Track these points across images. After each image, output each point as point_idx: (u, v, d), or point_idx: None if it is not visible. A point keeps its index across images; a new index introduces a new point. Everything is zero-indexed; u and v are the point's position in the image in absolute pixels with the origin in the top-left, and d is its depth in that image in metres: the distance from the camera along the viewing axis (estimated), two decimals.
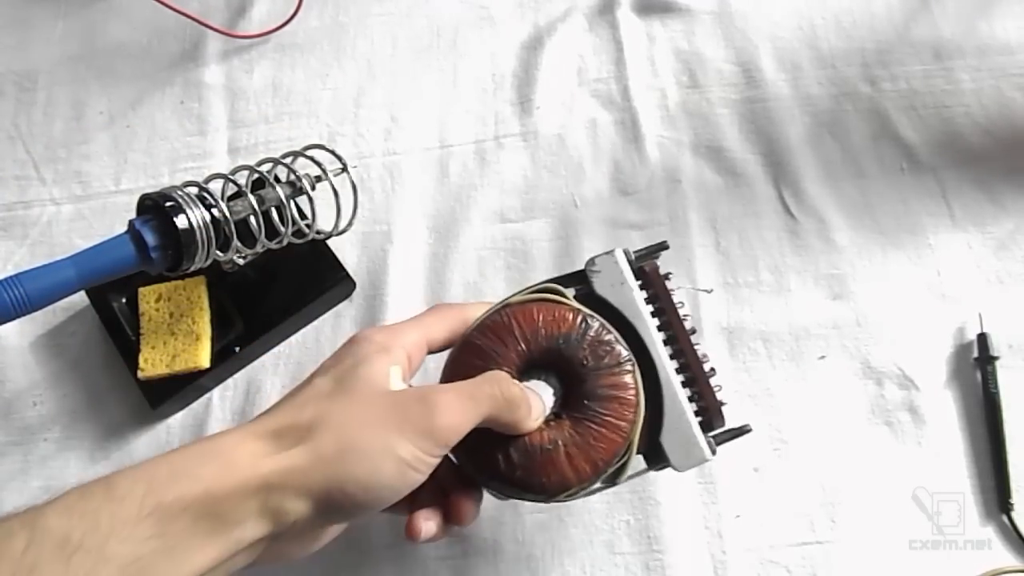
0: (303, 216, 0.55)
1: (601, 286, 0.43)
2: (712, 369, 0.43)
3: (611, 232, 0.58)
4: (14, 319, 0.45)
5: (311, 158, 0.53)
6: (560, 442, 0.41)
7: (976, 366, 0.52)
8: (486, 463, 0.41)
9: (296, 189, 0.53)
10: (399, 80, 0.65)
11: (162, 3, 0.65)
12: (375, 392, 0.38)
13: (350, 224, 0.55)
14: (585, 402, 0.41)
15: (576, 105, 0.63)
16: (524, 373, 0.43)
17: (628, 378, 0.42)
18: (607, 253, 0.44)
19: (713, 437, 0.43)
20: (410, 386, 0.41)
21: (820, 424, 0.51)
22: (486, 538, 0.50)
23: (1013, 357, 0.52)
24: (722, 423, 0.43)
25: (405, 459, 0.35)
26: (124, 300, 0.57)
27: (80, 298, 0.56)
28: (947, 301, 0.54)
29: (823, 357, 0.53)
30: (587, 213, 0.59)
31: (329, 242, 0.57)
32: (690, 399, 0.43)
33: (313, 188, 0.53)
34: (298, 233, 0.54)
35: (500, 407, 0.39)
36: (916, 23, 0.62)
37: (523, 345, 0.42)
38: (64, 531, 0.31)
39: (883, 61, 0.61)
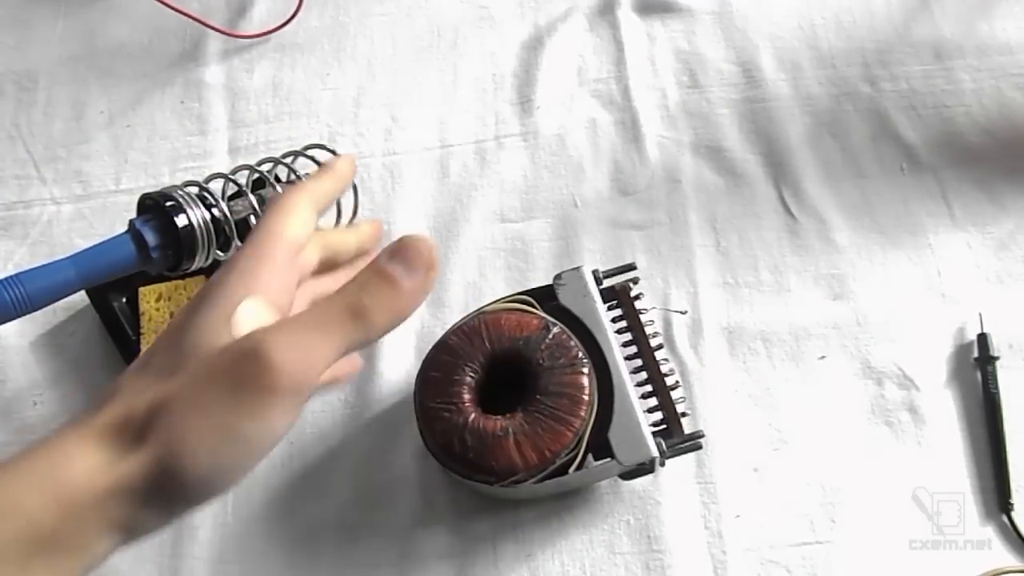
0: None
1: (566, 298, 0.49)
2: (676, 382, 0.48)
3: (611, 232, 0.58)
4: (14, 319, 0.45)
5: (311, 158, 0.53)
6: (511, 430, 0.46)
7: (976, 366, 0.52)
8: (445, 444, 0.47)
9: None
10: (399, 80, 0.65)
11: (162, 3, 0.65)
12: (208, 357, 0.30)
13: (350, 224, 0.55)
14: (538, 397, 0.46)
15: (576, 105, 0.63)
16: (488, 370, 0.48)
17: (580, 378, 0.46)
18: (574, 269, 0.50)
19: (671, 447, 0.47)
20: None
21: (820, 424, 0.51)
22: (486, 538, 0.50)
23: (1013, 357, 0.52)
24: (681, 431, 0.47)
25: (251, 438, 0.29)
26: (124, 300, 0.57)
27: (80, 298, 0.56)
28: (947, 301, 0.54)
29: (823, 357, 0.53)
30: (587, 213, 0.59)
31: None
32: (651, 410, 0.47)
33: None
34: None
35: (354, 331, 0.30)
36: (916, 23, 0.62)
37: (488, 345, 0.48)
38: None
39: (883, 61, 0.61)
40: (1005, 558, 0.47)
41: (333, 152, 0.54)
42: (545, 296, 0.50)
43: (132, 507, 0.29)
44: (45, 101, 0.68)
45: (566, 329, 0.48)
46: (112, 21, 0.70)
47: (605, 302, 0.49)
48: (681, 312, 0.55)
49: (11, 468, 0.29)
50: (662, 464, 0.47)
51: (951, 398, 0.51)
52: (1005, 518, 0.48)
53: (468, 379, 0.48)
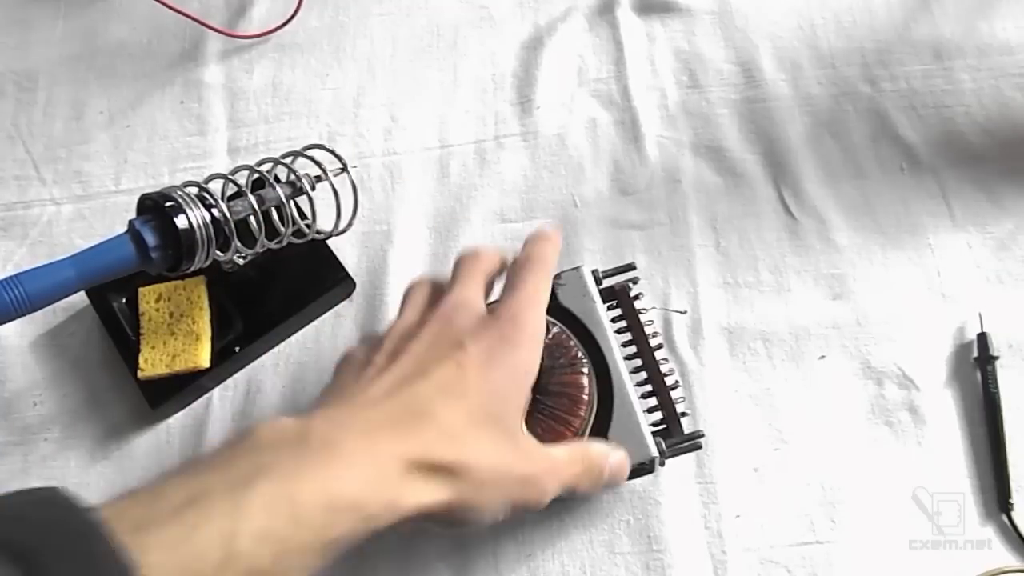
0: (303, 216, 0.55)
1: (565, 297, 0.49)
2: (676, 382, 0.48)
3: (611, 232, 0.58)
4: (14, 319, 0.45)
5: (311, 158, 0.53)
6: None
7: (976, 366, 0.52)
8: None
9: (296, 189, 0.53)
10: (399, 80, 0.65)
11: (162, 3, 0.65)
12: (509, 440, 0.40)
13: (350, 224, 0.55)
14: (538, 397, 0.45)
15: (576, 105, 0.63)
16: None
17: (580, 378, 0.46)
18: (574, 269, 0.49)
19: (671, 447, 0.47)
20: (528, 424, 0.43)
21: (820, 424, 0.51)
22: (486, 538, 0.50)
23: (1013, 357, 0.52)
24: (681, 431, 0.47)
25: (515, 512, 0.40)
26: (124, 300, 0.57)
27: (80, 298, 0.56)
28: (947, 301, 0.54)
29: (823, 357, 0.53)
30: (587, 213, 0.59)
31: (329, 242, 0.57)
32: (651, 409, 0.47)
33: (313, 188, 0.53)
34: (298, 233, 0.54)
35: (591, 484, 0.43)
36: (916, 23, 0.62)
37: None
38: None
39: (883, 61, 0.61)
40: (1005, 558, 0.47)
41: (333, 152, 0.54)
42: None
43: (419, 522, 0.37)
44: (45, 101, 0.68)
45: (566, 329, 0.48)
46: (112, 21, 0.71)
47: (605, 302, 0.49)
48: (681, 312, 0.55)
49: (356, 475, 0.35)
50: (662, 464, 0.46)
51: (951, 398, 0.51)
52: (1005, 518, 0.48)
53: None
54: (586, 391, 0.46)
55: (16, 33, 0.71)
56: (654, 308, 0.54)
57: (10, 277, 0.44)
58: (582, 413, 0.45)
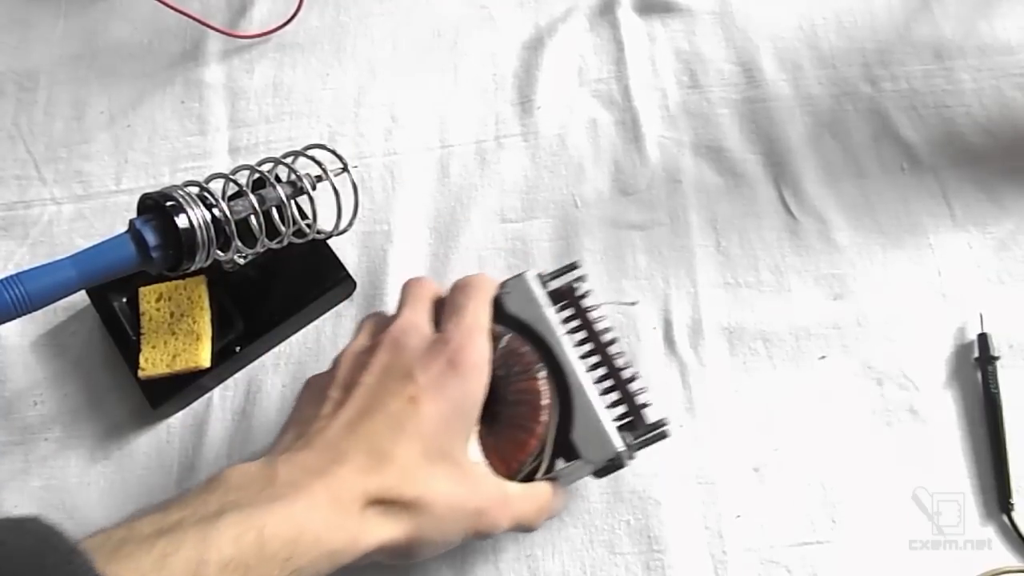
0: (304, 216, 0.55)
1: (513, 305, 0.48)
2: (634, 375, 0.47)
3: (611, 232, 0.58)
4: (14, 319, 0.45)
5: (312, 158, 0.53)
6: None
7: (976, 366, 0.52)
8: None
9: (297, 189, 0.53)
10: (399, 80, 0.65)
11: (163, 3, 0.65)
12: (462, 474, 0.42)
13: (351, 224, 0.55)
14: (497, 408, 0.45)
15: (576, 105, 0.63)
16: None
17: (537, 383, 0.46)
18: (517, 276, 0.49)
19: (637, 439, 0.46)
20: (482, 446, 0.44)
21: (820, 424, 0.51)
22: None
23: (1013, 357, 0.52)
24: (645, 422, 0.47)
25: (474, 536, 0.42)
26: (124, 300, 0.57)
27: (80, 298, 0.56)
28: (947, 301, 0.54)
29: (823, 357, 0.53)
30: (587, 213, 0.59)
31: (329, 242, 0.57)
32: (613, 405, 0.47)
33: (314, 188, 0.53)
34: (299, 233, 0.54)
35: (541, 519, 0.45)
36: (916, 23, 0.62)
37: None
38: None
39: (883, 61, 0.61)
40: (1005, 558, 0.47)
41: (334, 152, 0.54)
42: (493, 307, 0.49)
43: (376, 556, 0.39)
44: (45, 101, 0.68)
45: (516, 336, 0.47)
46: (112, 21, 0.71)
47: (553, 304, 0.49)
48: (631, 304, 0.55)
49: (317, 513, 0.37)
50: (631, 457, 0.46)
51: (951, 398, 0.51)
52: (1005, 518, 0.48)
53: None
54: (544, 396, 0.46)
55: (16, 33, 0.71)
56: (604, 304, 0.53)
57: (10, 277, 0.44)
58: (543, 418, 0.45)
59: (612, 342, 0.48)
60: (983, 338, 0.52)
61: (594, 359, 0.48)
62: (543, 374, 0.46)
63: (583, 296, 0.49)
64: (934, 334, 0.53)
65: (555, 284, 0.50)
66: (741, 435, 0.51)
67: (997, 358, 0.51)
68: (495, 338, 0.46)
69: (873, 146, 0.59)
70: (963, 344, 0.53)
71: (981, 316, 0.52)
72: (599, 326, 0.49)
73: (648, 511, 0.50)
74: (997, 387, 0.50)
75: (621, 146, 0.61)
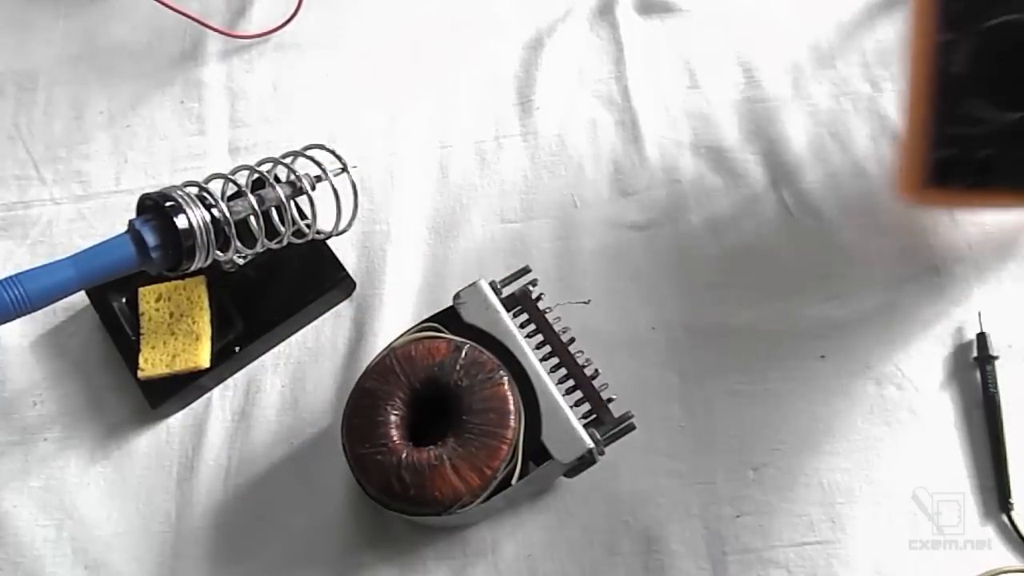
0: (303, 216, 0.55)
1: (469, 315, 0.49)
2: (596, 371, 0.48)
3: (611, 232, 0.58)
4: (14, 319, 0.45)
5: (311, 158, 0.53)
6: (445, 456, 0.45)
7: (975, 366, 0.52)
8: (384, 487, 0.46)
9: (296, 189, 0.53)
10: (399, 80, 0.65)
11: (162, 3, 0.65)
12: None
13: (350, 224, 0.55)
14: (464, 417, 0.46)
15: (576, 105, 0.63)
16: (411, 404, 0.47)
17: (501, 389, 0.46)
18: (471, 285, 0.49)
19: (605, 434, 0.47)
20: None
21: (820, 424, 0.51)
22: (486, 538, 0.50)
23: (1013, 357, 0.52)
24: (611, 417, 0.47)
25: None
26: (124, 300, 0.57)
27: (80, 298, 0.56)
28: (947, 301, 0.54)
29: (823, 357, 0.53)
30: (587, 213, 0.59)
31: (329, 242, 0.57)
32: (578, 403, 0.47)
33: (313, 188, 0.53)
34: (298, 233, 0.54)
35: None
36: None
37: (404, 379, 0.47)
38: None
39: (883, 61, 0.61)
40: (1005, 558, 0.47)
41: (333, 152, 0.54)
42: (450, 318, 0.49)
43: None
44: (45, 101, 0.68)
45: (477, 345, 0.48)
46: (112, 21, 0.71)
47: (508, 310, 0.49)
48: (584, 302, 0.55)
49: None
50: (601, 453, 0.46)
51: (951, 398, 0.51)
52: (1005, 518, 0.48)
53: (392, 417, 0.47)
54: (510, 401, 0.46)
55: (16, 33, 0.71)
56: (558, 304, 0.53)
57: (10, 277, 0.44)
58: (511, 423, 0.46)
59: (571, 341, 0.49)
60: (982, 338, 0.52)
61: (555, 360, 0.49)
62: (507, 379, 0.47)
63: (538, 299, 0.50)
64: (933, 334, 0.53)
65: (509, 290, 0.50)
66: (741, 435, 0.51)
67: (996, 358, 0.51)
68: (454, 349, 0.47)
69: (873, 146, 0.59)
70: (962, 344, 0.53)
71: (980, 316, 0.52)
72: (556, 327, 0.49)
73: (648, 511, 0.50)
74: (996, 387, 0.50)
75: (621, 146, 0.61)
